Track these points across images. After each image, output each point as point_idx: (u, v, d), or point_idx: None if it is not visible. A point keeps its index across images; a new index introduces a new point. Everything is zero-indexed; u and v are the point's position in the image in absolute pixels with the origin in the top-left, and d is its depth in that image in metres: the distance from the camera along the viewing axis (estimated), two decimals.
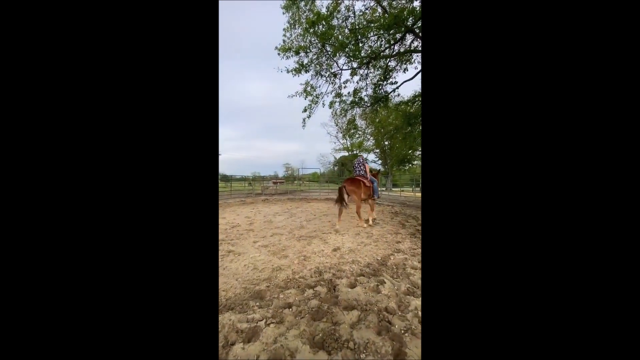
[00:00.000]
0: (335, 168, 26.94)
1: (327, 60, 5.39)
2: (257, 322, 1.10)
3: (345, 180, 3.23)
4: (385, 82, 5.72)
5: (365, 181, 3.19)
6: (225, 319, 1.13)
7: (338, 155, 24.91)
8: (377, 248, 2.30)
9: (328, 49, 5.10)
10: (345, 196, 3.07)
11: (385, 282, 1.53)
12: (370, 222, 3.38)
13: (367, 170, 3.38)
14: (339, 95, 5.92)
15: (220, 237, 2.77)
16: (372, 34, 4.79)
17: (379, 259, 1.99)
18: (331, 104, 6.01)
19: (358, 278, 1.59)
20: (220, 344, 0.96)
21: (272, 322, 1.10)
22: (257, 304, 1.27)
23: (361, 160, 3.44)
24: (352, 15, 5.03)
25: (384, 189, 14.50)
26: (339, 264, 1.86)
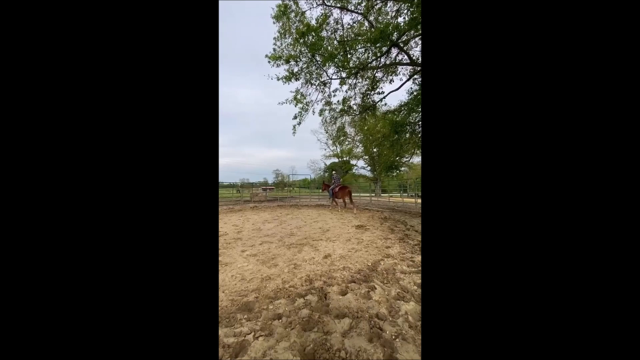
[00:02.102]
0: (326, 174, 27.08)
1: (316, 69, 5.52)
2: (245, 336, 1.05)
3: (345, 186, 6.11)
4: (372, 92, 5.93)
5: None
6: None
7: (328, 162, 25.15)
8: (367, 254, 2.31)
9: (318, 59, 5.23)
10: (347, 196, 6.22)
11: (375, 288, 1.53)
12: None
13: (340, 182, 6.34)
14: (328, 103, 6.04)
15: None
16: (359, 46, 5.00)
17: (370, 264, 1.99)
18: (321, 112, 6.11)
19: (349, 285, 1.58)
20: None
21: (261, 335, 1.05)
22: (245, 316, 1.22)
23: (337, 176, 6.76)
24: (340, 27, 5.23)
25: (373, 194, 14.79)
26: (330, 271, 1.85)
